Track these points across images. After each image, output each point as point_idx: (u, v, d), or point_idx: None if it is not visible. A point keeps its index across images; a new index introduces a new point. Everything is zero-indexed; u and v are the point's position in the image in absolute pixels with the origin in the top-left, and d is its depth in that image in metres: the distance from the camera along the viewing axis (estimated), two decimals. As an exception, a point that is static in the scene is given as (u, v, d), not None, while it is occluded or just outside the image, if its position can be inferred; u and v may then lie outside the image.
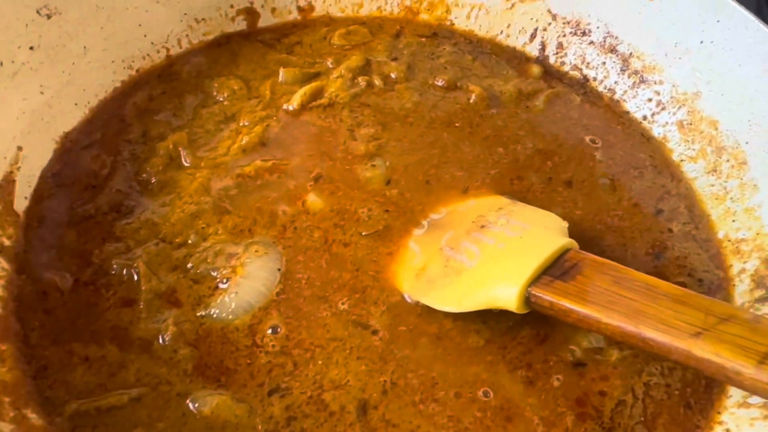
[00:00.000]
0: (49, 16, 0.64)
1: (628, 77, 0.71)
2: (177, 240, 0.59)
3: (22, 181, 0.60)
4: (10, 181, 0.59)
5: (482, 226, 0.56)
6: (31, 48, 0.62)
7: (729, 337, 0.43)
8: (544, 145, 0.67)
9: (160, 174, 0.63)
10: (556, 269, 0.50)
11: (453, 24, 0.78)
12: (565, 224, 0.56)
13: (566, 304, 0.48)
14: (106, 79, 0.69)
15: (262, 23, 0.77)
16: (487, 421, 0.50)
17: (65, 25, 0.65)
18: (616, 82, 0.72)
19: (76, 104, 0.66)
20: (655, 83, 0.70)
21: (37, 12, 0.63)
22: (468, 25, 0.78)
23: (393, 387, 0.51)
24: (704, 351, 0.43)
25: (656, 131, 0.69)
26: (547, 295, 0.49)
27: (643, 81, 0.70)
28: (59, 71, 0.65)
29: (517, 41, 0.77)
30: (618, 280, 0.49)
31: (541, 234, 0.53)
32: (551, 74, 0.75)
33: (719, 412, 0.52)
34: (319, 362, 0.52)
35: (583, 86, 0.73)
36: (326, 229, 0.60)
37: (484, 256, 0.53)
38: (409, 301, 0.55)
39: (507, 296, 0.50)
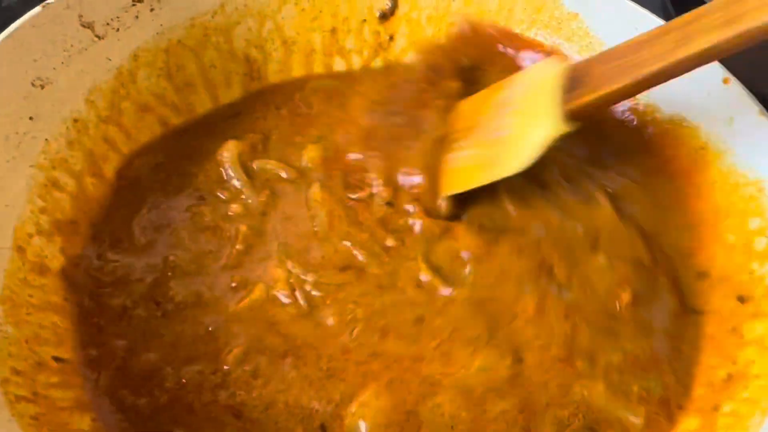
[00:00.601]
0: (42, 87, 0.68)
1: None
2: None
3: (41, 242, 0.65)
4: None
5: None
6: (30, 118, 0.67)
7: (697, 31, 0.56)
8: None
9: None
10: (569, 86, 0.61)
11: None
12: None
13: (594, 94, 0.60)
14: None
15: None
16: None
17: (57, 92, 0.70)
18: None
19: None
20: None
21: (32, 84, 0.67)
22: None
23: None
24: (687, 50, 0.56)
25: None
26: (579, 101, 0.60)
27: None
28: (57, 135, 0.69)
29: None
30: (611, 57, 0.61)
31: (540, 80, 0.63)
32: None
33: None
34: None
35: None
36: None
37: (513, 121, 0.63)
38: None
39: (551, 124, 0.60)
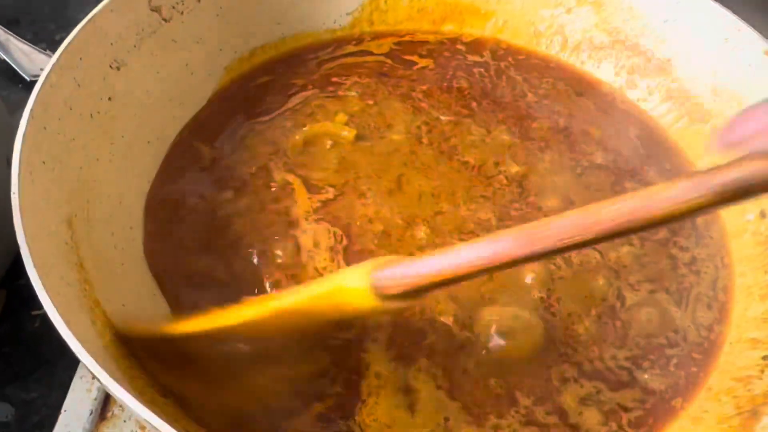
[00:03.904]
0: (118, 68, 0.72)
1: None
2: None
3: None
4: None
5: None
6: (109, 98, 0.71)
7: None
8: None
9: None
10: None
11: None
12: None
13: None
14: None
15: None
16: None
17: (131, 73, 0.73)
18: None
19: (149, 142, 0.75)
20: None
21: (110, 66, 0.71)
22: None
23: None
24: None
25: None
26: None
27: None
28: (132, 115, 0.73)
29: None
30: None
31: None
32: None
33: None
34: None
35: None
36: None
37: None
38: None
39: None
